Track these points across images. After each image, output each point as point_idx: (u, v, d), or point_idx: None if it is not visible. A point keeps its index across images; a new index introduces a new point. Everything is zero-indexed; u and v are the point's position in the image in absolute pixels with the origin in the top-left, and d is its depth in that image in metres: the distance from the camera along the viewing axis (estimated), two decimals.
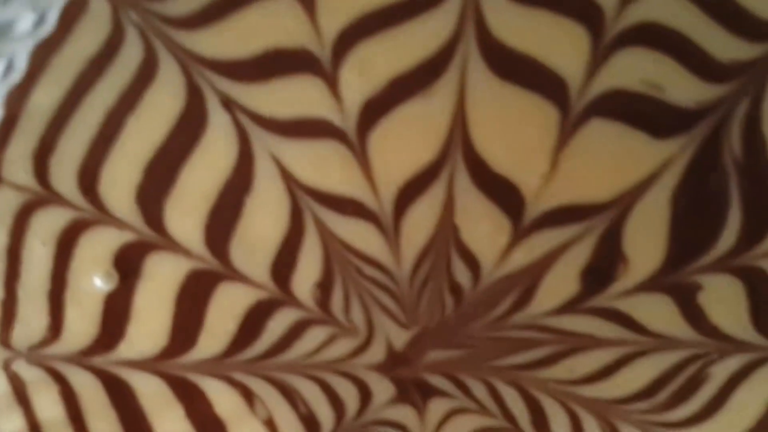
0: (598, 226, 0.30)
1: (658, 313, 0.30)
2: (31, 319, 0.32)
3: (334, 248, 0.31)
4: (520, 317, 0.31)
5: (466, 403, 0.32)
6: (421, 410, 0.32)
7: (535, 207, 0.30)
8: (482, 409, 0.32)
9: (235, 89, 0.30)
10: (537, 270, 0.30)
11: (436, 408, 0.32)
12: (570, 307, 0.30)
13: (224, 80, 0.30)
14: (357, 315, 0.31)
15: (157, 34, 0.30)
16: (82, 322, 0.32)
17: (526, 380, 0.32)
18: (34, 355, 0.32)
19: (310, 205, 0.30)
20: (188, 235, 0.31)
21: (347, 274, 0.31)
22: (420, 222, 0.30)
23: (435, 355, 0.32)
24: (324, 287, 0.31)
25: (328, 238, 0.31)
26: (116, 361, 0.32)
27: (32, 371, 0.32)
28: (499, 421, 0.32)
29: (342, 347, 0.32)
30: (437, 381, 0.31)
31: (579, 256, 0.30)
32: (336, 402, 0.33)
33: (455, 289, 0.31)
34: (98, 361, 0.32)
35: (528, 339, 0.32)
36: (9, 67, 0.31)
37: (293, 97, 0.30)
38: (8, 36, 0.30)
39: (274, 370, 0.32)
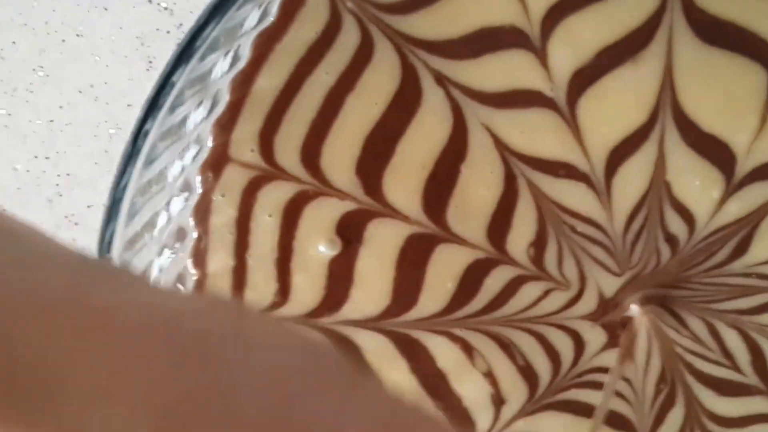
0: None
1: None
2: (260, 285, 0.45)
3: (547, 209, 0.44)
4: (738, 265, 0.44)
5: (677, 336, 0.45)
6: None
7: (747, 162, 0.42)
8: (696, 339, 0.45)
9: (448, 66, 0.43)
10: (752, 220, 0.43)
11: (643, 343, 0.45)
12: None
13: (437, 58, 0.42)
14: (570, 270, 0.44)
15: (372, 20, 0.44)
16: (308, 287, 0.45)
17: (747, 324, 0.45)
18: None
19: (522, 169, 0.44)
20: (407, 202, 0.43)
21: (560, 233, 0.45)
22: (632, 180, 0.42)
23: (649, 292, 0.44)
24: (538, 246, 0.44)
25: (541, 199, 0.44)
26: (342, 320, 0.45)
27: None
28: (716, 356, 0.46)
29: (556, 301, 0.44)
30: (648, 312, 0.44)
31: None
32: (552, 353, 0.45)
33: (670, 240, 0.43)
34: (325, 321, 0.45)
35: (748, 286, 0.44)
36: (235, 58, 0.47)
37: (503, 70, 0.43)
38: (237, 33, 0.46)
39: (492, 325, 0.45)
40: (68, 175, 0.49)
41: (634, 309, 0.43)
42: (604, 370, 0.45)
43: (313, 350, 0.22)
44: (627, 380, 0.45)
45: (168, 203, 0.44)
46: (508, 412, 0.46)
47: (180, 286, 0.45)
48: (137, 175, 0.39)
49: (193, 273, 0.45)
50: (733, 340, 0.44)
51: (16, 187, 0.49)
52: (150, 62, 0.47)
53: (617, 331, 0.44)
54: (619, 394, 0.45)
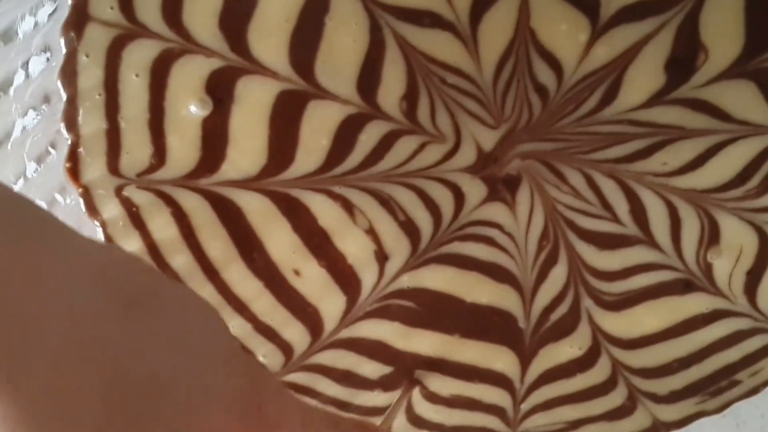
0: (674, 18, 0.39)
1: (742, 99, 0.41)
2: (136, 148, 0.44)
3: (416, 61, 0.42)
4: (609, 112, 0.42)
5: (558, 193, 0.44)
6: (511, 205, 0.44)
7: (612, 3, 0.39)
8: (576, 194, 0.44)
9: None
10: (620, 64, 0.41)
11: (525, 200, 0.44)
12: (657, 99, 0.41)
13: None
14: (444, 122, 0.43)
15: None
16: (184, 148, 0.44)
17: (623, 173, 0.44)
18: (143, 180, 0.44)
19: (388, 20, 0.41)
20: (274, 57, 0.42)
21: (431, 84, 0.43)
22: (497, 28, 0.40)
23: (527, 147, 0.43)
24: (409, 99, 0.42)
25: (409, 51, 0.42)
26: (221, 181, 0.44)
27: (143, 196, 0.45)
28: (596, 210, 0.45)
29: (433, 154, 0.43)
30: (529, 169, 0.44)
31: (660, 48, 0.40)
32: (432, 207, 0.44)
33: (540, 90, 0.42)
34: (204, 182, 0.44)
35: (620, 133, 0.42)
36: None
37: None
38: None
39: (370, 181, 0.44)
40: None
41: (514, 164, 0.41)
42: (485, 223, 0.45)
43: (209, 314, 0.25)
44: (510, 235, 0.44)
45: (26, 62, 0.42)
46: (392, 267, 0.46)
47: (52, 150, 0.43)
48: None
49: (66, 137, 0.44)
50: (611, 190, 0.44)
51: None
52: None
53: (498, 185, 0.43)
54: (503, 248, 0.45)
